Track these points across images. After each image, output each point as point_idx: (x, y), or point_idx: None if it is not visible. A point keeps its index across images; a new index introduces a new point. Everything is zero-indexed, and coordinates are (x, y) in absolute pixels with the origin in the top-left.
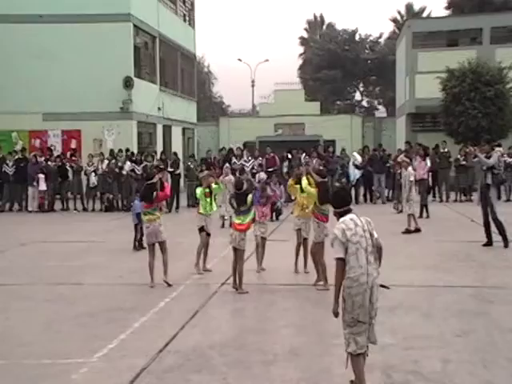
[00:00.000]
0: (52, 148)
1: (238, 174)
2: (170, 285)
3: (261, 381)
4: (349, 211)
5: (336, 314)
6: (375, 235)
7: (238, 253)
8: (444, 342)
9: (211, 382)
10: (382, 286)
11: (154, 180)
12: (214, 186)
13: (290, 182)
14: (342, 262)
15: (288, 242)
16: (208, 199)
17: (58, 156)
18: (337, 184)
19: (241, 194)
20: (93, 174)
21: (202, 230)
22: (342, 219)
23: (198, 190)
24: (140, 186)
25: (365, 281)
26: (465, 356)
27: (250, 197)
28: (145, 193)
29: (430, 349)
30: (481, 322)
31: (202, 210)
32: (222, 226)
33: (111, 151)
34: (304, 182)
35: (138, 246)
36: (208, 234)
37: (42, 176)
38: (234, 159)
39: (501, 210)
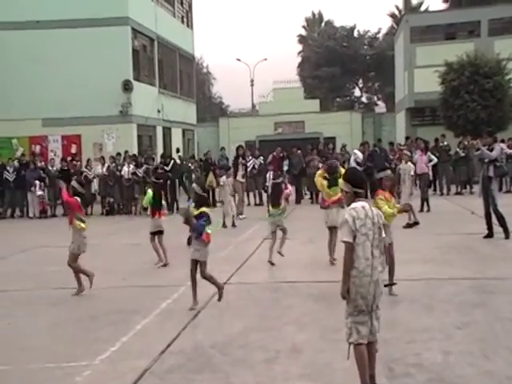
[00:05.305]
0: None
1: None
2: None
3: (263, 378)
4: (362, 195)
5: (344, 297)
6: (383, 234)
7: None
8: (445, 334)
9: (213, 381)
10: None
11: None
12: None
13: (320, 172)
14: (351, 245)
15: (289, 241)
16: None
17: (65, 160)
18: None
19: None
20: (95, 180)
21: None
22: (354, 205)
23: (149, 195)
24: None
25: (369, 273)
26: (465, 347)
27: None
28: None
29: (431, 341)
30: (481, 313)
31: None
32: (224, 225)
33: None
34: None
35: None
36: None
37: (37, 182)
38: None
39: (501, 202)
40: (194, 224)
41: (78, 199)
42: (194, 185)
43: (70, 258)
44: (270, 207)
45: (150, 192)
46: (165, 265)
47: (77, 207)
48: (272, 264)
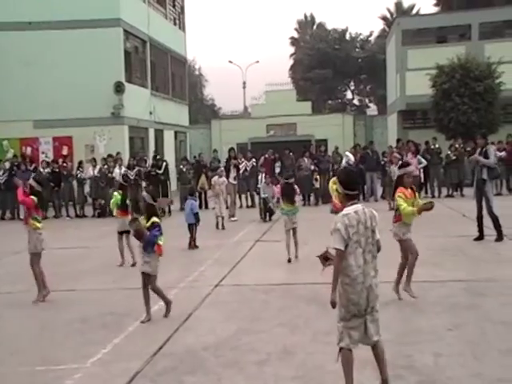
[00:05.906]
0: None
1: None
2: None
3: (254, 380)
4: (356, 197)
5: (334, 304)
6: (377, 236)
7: None
8: (436, 336)
9: (205, 383)
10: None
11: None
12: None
13: (334, 179)
14: (342, 253)
15: (280, 243)
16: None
17: (55, 162)
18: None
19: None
20: (88, 181)
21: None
22: (346, 210)
23: (116, 198)
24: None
25: (361, 281)
26: (456, 349)
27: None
28: None
29: (422, 343)
30: (472, 316)
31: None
32: (217, 226)
33: (103, 159)
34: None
35: (193, 245)
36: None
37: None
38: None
39: (496, 204)
40: (147, 236)
41: (35, 199)
42: (145, 193)
43: (31, 260)
44: (284, 205)
45: (116, 194)
46: (133, 264)
47: (33, 207)
48: (290, 261)
